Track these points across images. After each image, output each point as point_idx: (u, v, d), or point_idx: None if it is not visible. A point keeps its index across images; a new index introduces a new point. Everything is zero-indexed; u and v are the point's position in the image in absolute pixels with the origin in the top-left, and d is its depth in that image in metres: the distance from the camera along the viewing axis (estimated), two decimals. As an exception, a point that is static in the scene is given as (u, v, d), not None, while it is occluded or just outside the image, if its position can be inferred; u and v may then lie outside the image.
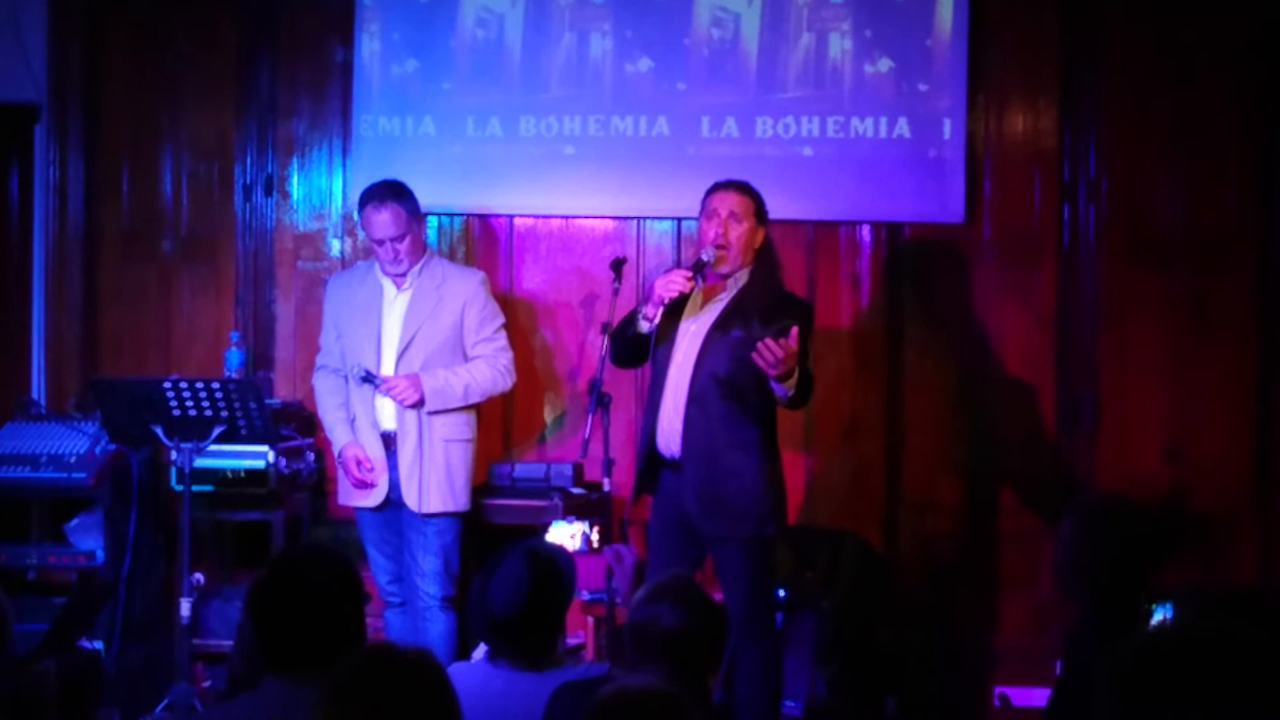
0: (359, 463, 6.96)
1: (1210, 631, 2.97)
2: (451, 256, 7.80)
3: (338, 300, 7.19)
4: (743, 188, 6.47)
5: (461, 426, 7.04)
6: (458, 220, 8.07)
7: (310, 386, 7.44)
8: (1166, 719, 2.87)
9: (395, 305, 7.02)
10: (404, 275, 6.99)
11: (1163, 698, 2.87)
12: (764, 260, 6.44)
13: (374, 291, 7.06)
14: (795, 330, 6.02)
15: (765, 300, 6.33)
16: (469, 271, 7.27)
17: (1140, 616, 4.83)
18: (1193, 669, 2.88)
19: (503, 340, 7.13)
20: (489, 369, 7.04)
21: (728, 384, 6.24)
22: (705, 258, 6.36)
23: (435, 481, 6.94)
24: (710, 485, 6.26)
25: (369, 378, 6.90)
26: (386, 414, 6.98)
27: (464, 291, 7.04)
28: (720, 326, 6.31)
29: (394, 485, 6.97)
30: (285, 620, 3.83)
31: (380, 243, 6.94)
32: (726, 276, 6.41)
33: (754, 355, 5.94)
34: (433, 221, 7.92)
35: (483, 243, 8.09)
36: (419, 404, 6.88)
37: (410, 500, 6.93)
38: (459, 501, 7.03)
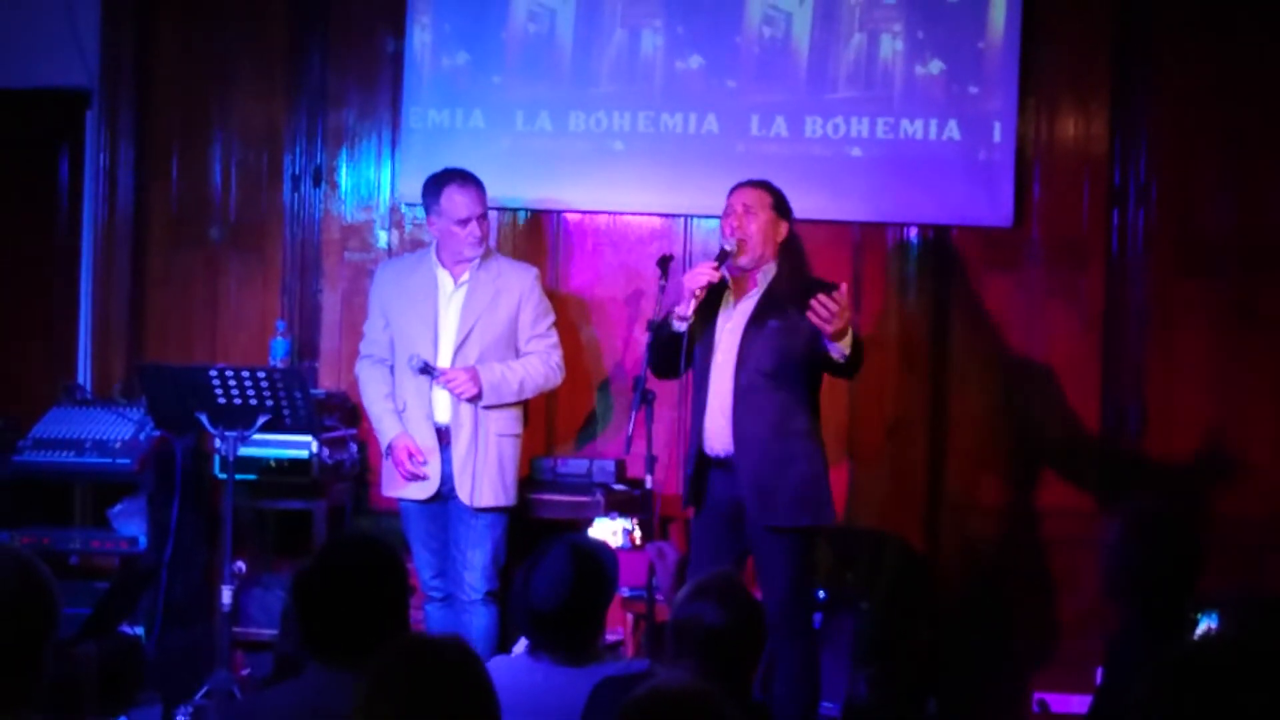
0: (411, 455, 6.95)
1: (1255, 640, 2.95)
2: (499, 250, 7.79)
3: (388, 288, 7.17)
4: (757, 183, 6.59)
5: (513, 421, 7.05)
6: (505, 214, 8.07)
7: (354, 380, 7.46)
8: (1209, 728, 2.86)
9: (453, 298, 7.00)
10: (470, 261, 6.97)
11: (1206, 706, 2.86)
12: (790, 252, 6.54)
13: (429, 283, 7.04)
14: (845, 285, 6.10)
15: (795, 288, 6.37)
16: (524, 266, 7.27)
17: (1185, 624, 4.81)
18: (1237, 678, 2.87)
19: (554, 337, 7.15)
20: (542, 365, 7.05)
21: (774, 375, 6.31)
22: (727, 247, 6.44)
23: (489, 476, 6.94)
24: (767, 476, 6.31)
25: (427, 369, 6.89)
26: (441, 406, 6.97)
27: (520, 286, 7.05)
28: (756, 320, 6.36)
29: (446, 478, 6.96)
30: (330, 607, 3.84)
31: (465, 222, 6.93)
32: (749, 269, 6.48)
33: (809, 314, 5.98)
34: (480, 214, 7.91)
35: (530, 237, 8.09)
36: (476, 398, 6.88)
37: (464, 494, 6.93)
38: (510, 496, 7.04)
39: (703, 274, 6.33)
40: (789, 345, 6.32)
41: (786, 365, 6.31)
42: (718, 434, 6.41)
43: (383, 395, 7.09)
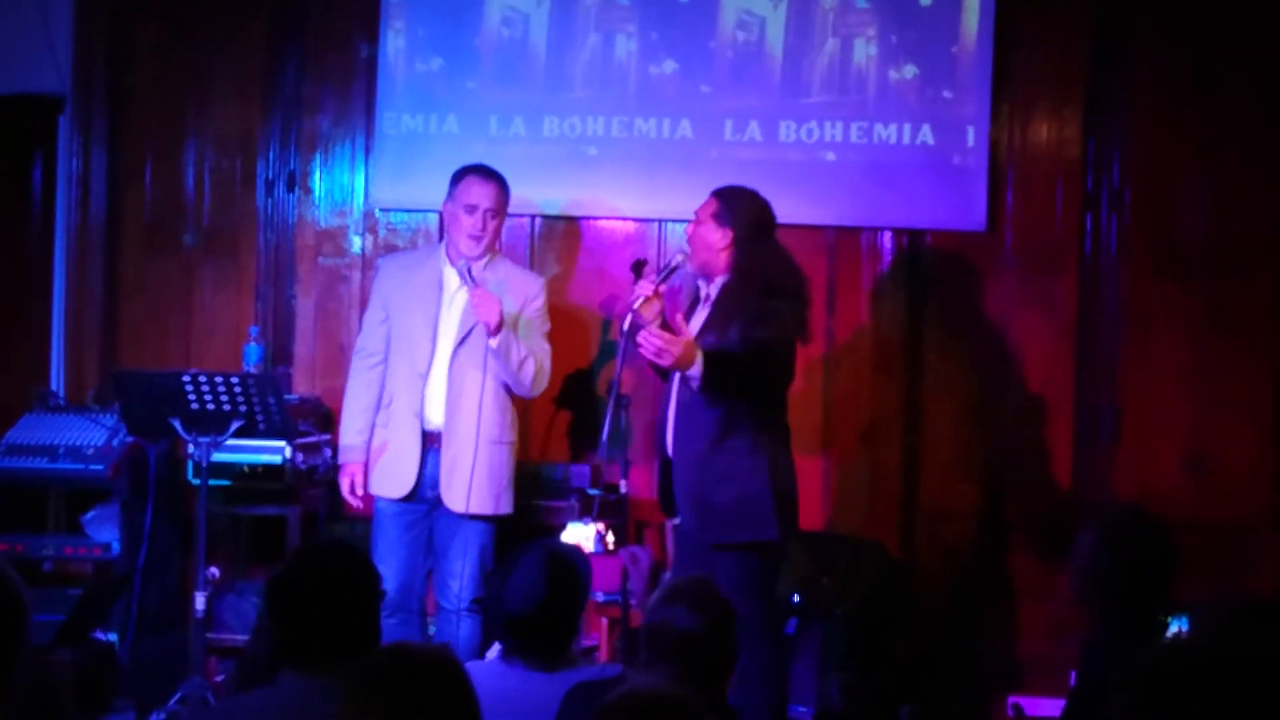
0: (352, 487, 6.91)
1: (1226, 645, 2.96)
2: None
3: (393, 280, 7.05)
4: (715, 191, 6.47)
5: (507, 429, 6.95)
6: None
7: (328, 385, 7.45)
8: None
9: (456, 297, 6.88)
10: (477, 258, 6.88)
11: (1177, 710, 2.87)
12: (741, 262, 6.35)
13: (434, 278, 6.94)
14: (679, 317, 6.13)
15: (738, 304, 6.29)
16: (531, 275, 7.20)
17: (1157, 628, 4.81)
18: (1208, 682, 2.87)
19: (547, 348, 7.03)
20: (532, 365, 6.94)
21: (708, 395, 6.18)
22: (675, 261, 6.47)
23: (479, 482, 6.82)
24: (701, 491, 6.24)
25: (469, 273, 6.80)
26: (434, 408, 6.85)
27: (525, 292, 6.96)
28: (701, 334, 6.27)
29: (431, 482, 6.87)
30: (303, 614, 3.83)
31: (473, 209, 6.82)
32: (702, 279, 6.44)
33: (639, 350, 5.96)
34: (454, 220, 7.90)
35: (504, 242, 8.07)
36: (496, 330, 6.73)
37: (455, 501, 6.82)
38: (502, 504, 6.94)
39: (639, 289, 6.38)
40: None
41: None
42: (671, 442, 6.39)
43: (362, 407, 7.00)
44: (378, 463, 6.99)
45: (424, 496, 6.90)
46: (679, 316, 6.18)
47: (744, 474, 6.21)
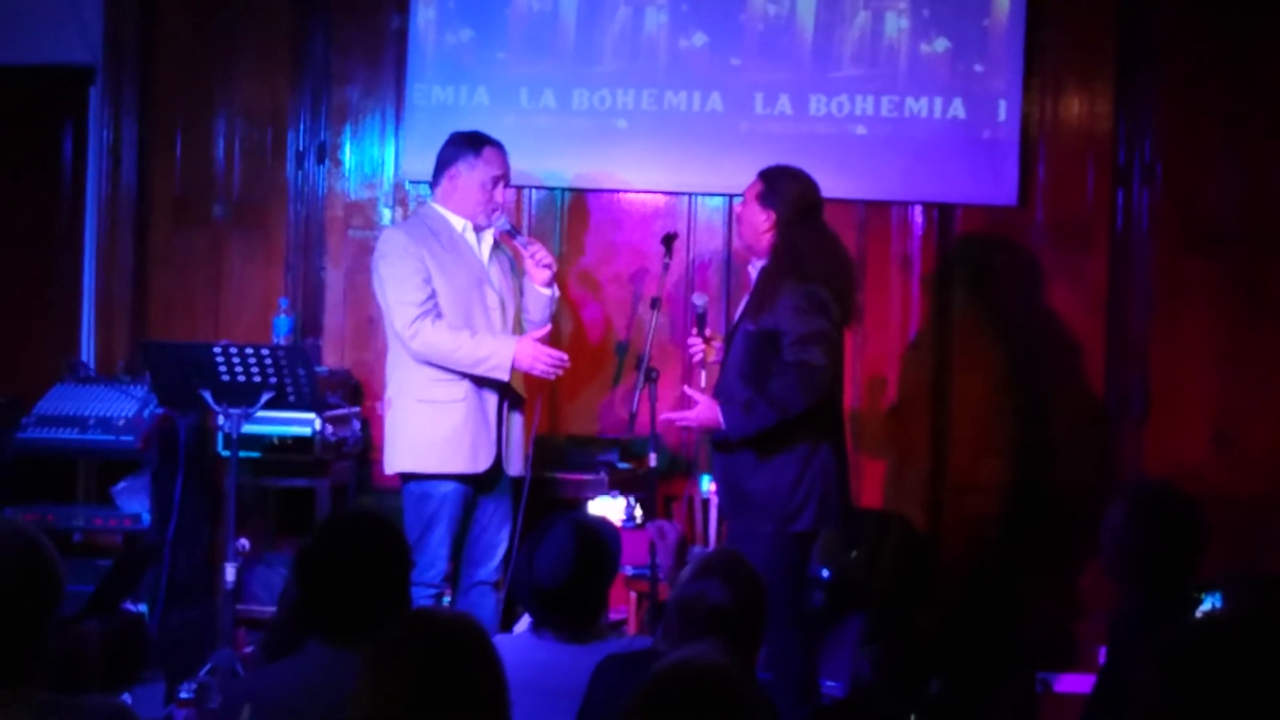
0: (549, 351, 6.55)
1: (1257, 619, 2.95)
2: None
3: (426, 250, 6.61)
4: (761, 172, 6.41)
5: None
6: (509, 191, 8.01)
7: (358, 357, 7.46)
8: (1212, 706, 2.86)
9: (493, 269, 6.75)
10: (486, 229, 6.73)
11: (1209, 685, 2.86)
12: (778, 246, 6.28)
13: (469, 250, 6.71)
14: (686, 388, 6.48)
15: (760, 295, 6.25)
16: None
17: (1188, 604, 4.80)
18: (1239, 656, 2.86)
19: None
20: None
21: (746, 379, 6.15)
22: (700, 307, 6.63)
23: (520, 444, 6.78)
24: (732, 480, 6.25)
25: (513, 231, 6.78)
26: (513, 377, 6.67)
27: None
28: (741, 321, 6.26)
29: (512, 449, 6.71)
30: (331, 585, 3.84)
31: (499, 180, 6.72)
32: (752, 263, 6.44)
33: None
34: (484, 192, 7.88)
35: (534, 214, 8.08)
36: (550, 281, 6.78)
37: (515, 465, 6.71)
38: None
39: (693, 346, 6.60)
40: (756, 350, 6.16)
41: (758, 371, 6.13)
42: None
43: (467, 333, 6.54)
44: (461, 439, 6.58)
45: (505, 467, 6.71)
46: (685, 388, 6.44)
47: (773, 466, 6.17)
